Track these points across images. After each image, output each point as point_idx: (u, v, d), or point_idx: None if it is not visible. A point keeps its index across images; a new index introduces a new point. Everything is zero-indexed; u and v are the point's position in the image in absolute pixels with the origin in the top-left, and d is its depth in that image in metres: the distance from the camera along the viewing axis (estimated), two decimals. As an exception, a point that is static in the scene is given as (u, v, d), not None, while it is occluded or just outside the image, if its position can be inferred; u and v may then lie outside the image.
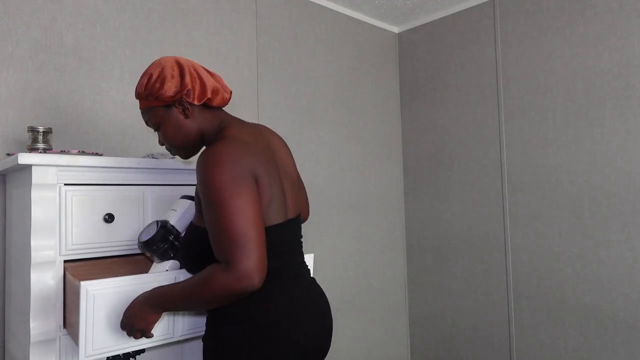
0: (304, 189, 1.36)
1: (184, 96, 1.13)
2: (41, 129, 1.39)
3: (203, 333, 1.29)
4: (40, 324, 1.21)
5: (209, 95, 1.14)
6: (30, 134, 1.39)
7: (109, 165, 1.31)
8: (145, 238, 1.19)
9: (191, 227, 1.13)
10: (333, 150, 2.63)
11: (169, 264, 1.22)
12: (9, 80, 1.62)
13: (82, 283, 1.07)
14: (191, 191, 1.52)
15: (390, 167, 2.97)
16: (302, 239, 1.23)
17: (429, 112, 2.91)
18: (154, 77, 1.14)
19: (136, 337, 1.11)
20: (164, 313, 1.14)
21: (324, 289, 2.52)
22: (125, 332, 1.14)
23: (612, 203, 2.14)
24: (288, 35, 2.47)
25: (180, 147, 1.19)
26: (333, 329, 1.23)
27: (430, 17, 2.89)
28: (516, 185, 2.48)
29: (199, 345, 1.50)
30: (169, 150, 1.24)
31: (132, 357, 1.31)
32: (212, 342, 1.09)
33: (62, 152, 1.37)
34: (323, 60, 2.63)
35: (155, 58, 1.97)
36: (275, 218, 1.08)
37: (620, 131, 2.12)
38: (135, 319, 1.09)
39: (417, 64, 2.98)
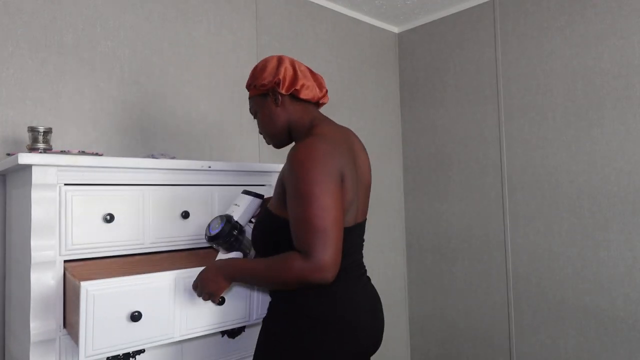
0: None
1: (275, 85, 1.21)
2: (41, 129, 1.39)
3: (202, 333, 1.29)
4: (41, 324, 1.21)
5: (297, 87, 1.21)
6: (30, 134, 1.39)
7: (109, 165, 1.31)
8: (213, 232, 1.27)
9: (269, 215, 1.18)
10: (333, 150, 2.63)
11: (233, 254, 1.30)
12: (9, 80, 1.62)
13: (82, 283, 1.08)
14: (191, 191, 1.52)
15: (390, 167, 2.97)
16: (364, 241, 1.30)
17: (429, 112, 2.91)
18: (258, 68, 1.26)
19: (204, 299, 1.20)
20: (231, 284, 1.19)
21: (324, 289, 2.52)
22: (124, 332, 1.14)
23: (612, 203, 2.14)
24: (288, 35, 2.47)
25: (270, 135, 1.28)
26: None
27: (430, 17, 2.89)
28: (516, 185, 2.48)
29: (199, 346, 1.50)
30: (265, 140, 1.33)
31: (132, 357, 1.32)
32: (276, 329, 1.14)
33: (62, 152, 1.37)
34: (323, 60, 2.63)
35: (155, 58, 1.98)
36: (350, 220, 1.14)
37: (620, 131, 2.12)
38: (208, 281, 1.17)
39: (417, 64, 2.98)
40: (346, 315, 1.12)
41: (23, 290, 1.29)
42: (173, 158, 1.56)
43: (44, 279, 1.22)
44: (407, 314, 2.99)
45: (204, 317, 1.29)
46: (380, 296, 2.80)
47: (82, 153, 1.39)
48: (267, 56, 1.27)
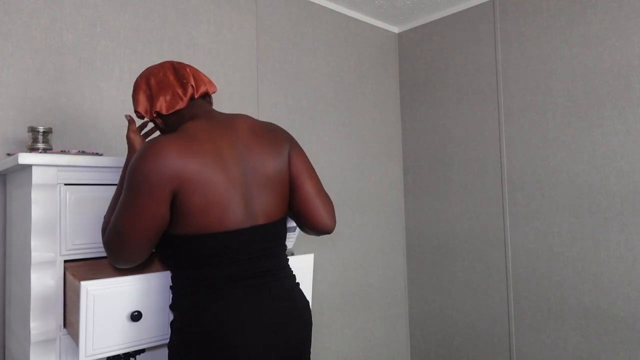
0: (309, 192, 1.21)
1: (142, 116, 1.21)
2: (41, 129, 1.39)
3: None
4: (41, 323, 1.21)
5: (157, 109, 1.17)
6: (30, 134, 1.39)
7: (109, 165, 1.31)
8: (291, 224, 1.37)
9: None
10: (333, 150, 2.63)
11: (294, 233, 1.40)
12: (9, 80, 1.62)
13: (82, 283, 1.08)
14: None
15: (390, 167, 2.97)
16: (273, 246, 1.14)
17: (429, 112, 2.91)
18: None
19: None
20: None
21: (324, 289, 2.52)
22: (124, 332, 1.14)
23: (612, 203, 2.14)
24: (288, 35, 2.47)
25: None
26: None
27: (430, 17, 2.89)
28: (516, 185, 2.48)
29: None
30: None
31: (132, 357, 1.32)
32: (169, 345, 1.11)
33: (62, 152, 1.37)
34: (323, 60, 2.63)
35: (155, 58, 1.98)
36: (225, 225, 1.04)
37: (620, 131, 2.12)
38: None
39: (417, 64, 2.98)
40: (215, 328, 1.02)
41: (23, 290, 1.29)
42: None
43: (44, 279, 1.22)
44: (407, 314, 2.99)
45: None
46: (379, 296, 2.80)
47: (82, 153, 1.39)
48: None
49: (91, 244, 1.30)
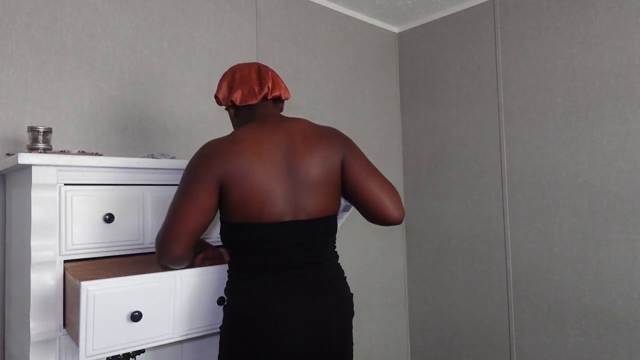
0: (369, 187, 1.25)
1: (220, 103, 1.36)
2: (41, 128, 1.39)
3: (202, 333, 1.29)
4: (40, 324, 1.21)
5: (232, 98, 1.30)
6: (30, 133, 1.39)
7: (108, 165, 1.31)
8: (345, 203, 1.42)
9: None
10: (333, 150, 2.63)
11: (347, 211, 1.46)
12: (9, 80, 1.62)
13: (83, 283, 1.07)
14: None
15: (390, 167, 2.97)
16: (315, 240, 1.22)
17: (429, 112, 2.91)
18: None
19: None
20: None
21: (324, 289, 2.52)
22: (124, 333, 1.14)
23: (612, 203, 2.14)
24: (288, 35, 2.47)
25: None
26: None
27: (430, 17, 2.89)
28: (516, 185, 2.48)
29: (199, 345, 1.50)
30: None
31: (132, 357, 1.32)
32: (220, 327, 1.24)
33: (62, 152, 1.37)
34: (323, 60, 2.63)
35: (155, 58, 1.98)
36: (257, 216, 1.16)
37: (620, 131, 2.12)
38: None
39: (417, 64, 2.98)
40: (247, 312, 1.15)
41: (23, 290, 1.29)
42: (173, 158, 1.56)
43: (44, 279, 1.22)
44: (407, 314, 2.99)
45: (204, 317, 1.29)
46: (379, 296, 2.80)
47: (82, 153, 1.39)
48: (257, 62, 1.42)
49: (91, 244, 1.30)
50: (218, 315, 1.32)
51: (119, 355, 1.29)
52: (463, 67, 2.73)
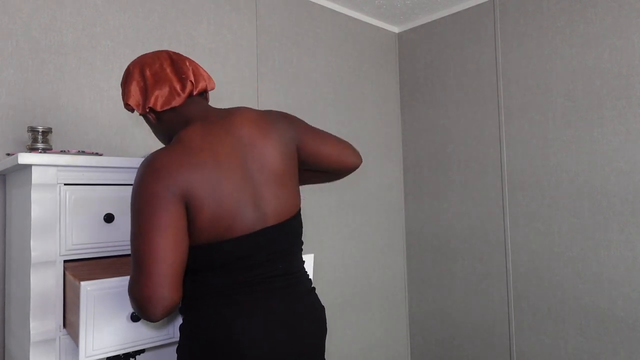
0: (323, 149, 1.18)
1: (133, 110, 1.14)
2: (41, 128, 1.39)
3: None
4: (40, 323, 1.21)
5: (150, 105, 1.08)
6: (30, 133, 1.39)
7: (108, 165, 1.31)
8: None
9: None
10: (333, 150, 2.63)
11: None
12: (9, 80, 1.62)
13: (82, 283, 1.07)
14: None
15: (390, 167, 2.97)
16: (287, 247, 1.09)
17: (429, 112, 2.91)
18: (121, 88, 1.17)
19: None
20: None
21: (324, 289, 2.52)
22: (124, 333, 1.14)
23: (612, 203, 2.14)
24: (288, 35, 2.47)
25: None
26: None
27: (430, 17, 2.89)
28: (516, 185, 2.48)
29: (199, 345, 1.50)
30: None
31: (132, 357, 1.31)
32: (177, 349, 1.08)
33: (62, 152, 1.37)
34: (323, 60, 2.63)
35: (155, 58, 1.97)
36: (236, 231, 1.00)
37: (620, 131, 2.12)
38: None
39: (417, 64, 2.98)
40: (223, 338, 0.97)
41: (23, 290, 1.29)
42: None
43: (44, 279, 1.22)
44: (407, 314, 2.99)
45: None
46: (379, 296, 2.80)
47: (82, 153, 1.39)
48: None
49: (91, 244, 1.30)
50: None
51: (119, 355, 1.29)
52: (463, 67, 2.73)
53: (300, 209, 1.15)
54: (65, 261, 1.28)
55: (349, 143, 1.25)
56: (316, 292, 1.19)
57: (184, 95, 1.10)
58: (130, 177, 1.39)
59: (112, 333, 1.12)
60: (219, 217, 0.98)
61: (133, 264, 0.92)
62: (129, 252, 1.38)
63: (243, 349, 0.97)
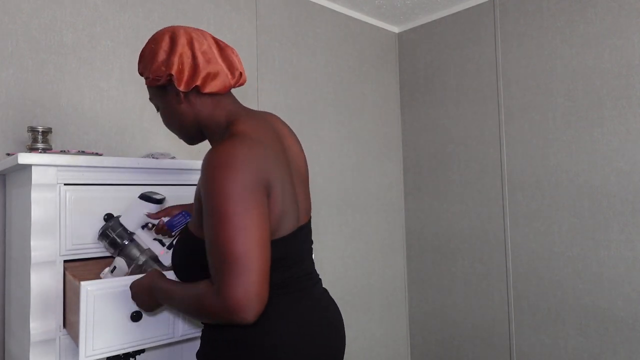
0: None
1: (170, 80, 0.98)
2: (41, 128, 1.39)
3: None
4: (40, 324, 1.21)
5: (197, 82, 0.97)
6: (30, 133, 1.39)
7: (108, 165, 1.31)
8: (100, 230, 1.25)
9: (188, 237, 0.98)
10: (333, 150, 2.63)
11: (117, 260, 1.23)
12: (9, 80, 1.62)
13: (82, 283, 1.07)
14: (191, 191, 1.52)
15: (390, 167, 2.97)
16: (310, 245, 1.06)
17: (429, 112, 2.91)
18: (146, 53, 1.01)
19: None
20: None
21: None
22: (124, 333, 1.14)
23: (612, 203, 2.14)
24: (288, 35, 2.47)
25: (178, 133, 1.08)
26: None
27: (430, 17, 2.89)
28: (516, 185, 2.48)
29: (198, 347, 1.50)
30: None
31: (132, 357, 1.31)
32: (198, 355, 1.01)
33: (62, 152, 1.37)
34: (323, 60, 2.63)
35: (155, 58, 1.97)
36: (288, 228, 0.95)
37: (620, 131, 2.12)
38: (141, 301, 1.07)
39: (417, 64, 2.98)
40: (280, 342, 0.92)
41: (23, 290, 1.29)
42: (173, 158, 1.56)
43: (44, 279, 1.22)
44: (407, 314, 2.99)
45: None
46: (379, 296, 2.80)
47: (82, 153, 1.39)
48: (155, 33, 1.03)
49: (91, 244, 1.30)
50: None
51: (119, 355, 1.29)
52: (463, 67, 2.73)
53: None
54: (65, 261, 1.28)
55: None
56: None
57: (232, 84, 1.01)
58: (131, 178, 1.39)
59: (113, 333, 1.12)
60: (285, 209, 0.94)
61: (220, 268, 0.82)
62: (129, 252, 1.38)
63: (280, 354, 0.93)
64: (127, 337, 1.15)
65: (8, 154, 1.45)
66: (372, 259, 2.81)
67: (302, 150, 1.10)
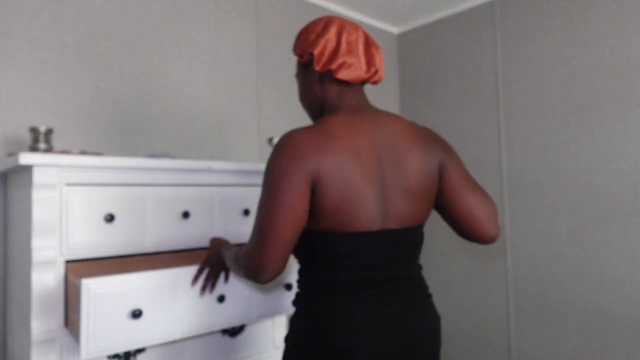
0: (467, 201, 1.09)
1: (310, 59, 1.09)
2: (42, 129, 1.39)
3: (203, 331, 1.30)
4: (41, 323, 1.21)
5: (333, 66, 1.06)
6: (31, 134, 1.39)
7: (109, 165, 1.32)
8: None
9: None
10: (333, 150, 2.63)
11: None
12: (10, 81, 1.62)
13: (83, 281, 1.08)
14: (191, 191, 1.52)
15: (390, 167, 2.97)
16: (408, 253, 1.07)
17: (429, 112, 2.91)
18: (302, 32, 1.13)
19: (205, 281, 1.30)
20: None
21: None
22: (125, 331, 1.14)
23: (612, 203, 2.14)
24: (288, 36, 2.47)
25: (305, 107, 1.18)
26: None
27: (430, 17, 2.89)
28: (516, 185, 2.48)
29: (199, 345, 1.50)
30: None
31: (133, 357, 1.32)
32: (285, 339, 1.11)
33: (63, 152, 1.37)
34: (323, 60, 2.63)
35: (156, 58, 1.98)
36: (354, 227, 0.99)
37: (620, 131, 2.12)
38: (211, 253, 1.31)
39: (417, 64, 2.99)
40: (321, 339, 0.98)
41: (24, 290, 1.29)
42: (173, 158, 1.56)
43: (45, 279, 1.22)
44: (407, 313, 2.99)
45: (204, 315, 1.29)
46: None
47: (83, 153, 1.39)
48: (316, 18, 1.17)
49: (92, 244, 1.30)
50: (218, 314, 1.32)
51: (119, 354, 1.29)
52: (463, 67, 2.73)
53: (424, 223, 1.11)
54: (66, 261, 1.28)
55: (494, 206, 1.09)
56: (432, 300, 1.13)
57: (365, 77, 1.08)
58: (131, 177, 1.39)
59: (113, 331, 1.13)
60: (345, 203, 0.98)
61: (255, 232, 0.98)
62: (130, 252, 1.38)
63: (344, 351, 0.97)
64: (128, 335, 1.15)
65: (9, 154, 1.45)
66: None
67: (425, 162, 1.06)
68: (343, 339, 0.97)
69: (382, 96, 2.96)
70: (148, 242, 1.42)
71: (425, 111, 2.93)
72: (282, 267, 0.97)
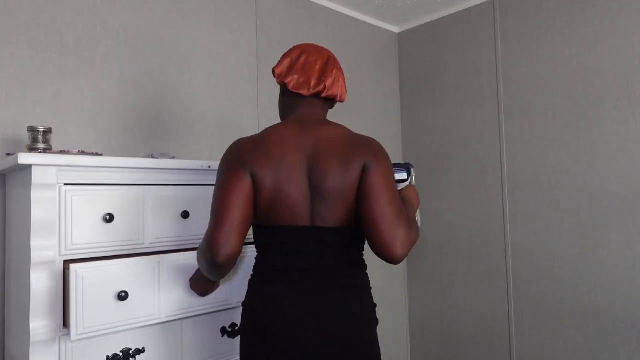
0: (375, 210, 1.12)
1: (276, 79, 1.29)
2: (41, 128, 1.39)
3: (187, 315, 1.39)
4: (40, 324, 1.21)
5: (286, 80, 1.23)
6: (30, 133, 1.39)
7: (109, 165, 1.32)
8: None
9: None
10: (333, 150, 2.63)
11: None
12: (9, 80, 1.62)
13: (72, 266, 1.15)
14: (191, 190, 1.52)
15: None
16: (333, 250, 1.17)
17: (429, 112, 2.91)
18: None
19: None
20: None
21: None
22: (112, 312, 1.15)
23: (612, 203, 2.14)
24: (288, 35, 2.47)
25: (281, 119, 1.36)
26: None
27: (430, 17, 2.89)
28: (516, 185, 2.48)
29: (198, 345, 1.50)
30: None
31: (132, 357, 1.32)
32: None
33: (62, 152, 1.37)
34: (323, 60, 2.63)
35: (155, 58, 1.97)
36: (281, 220, 1.16)
37: (620, 131, 2.12)
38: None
39: (417, 64, 2.98)
40: (249, 315, 1.18)
41: (23, 290, 1.29)
42: (173, 158, 1.56)
43: (44, 279, 1.22)
44: (407, 314, 2.99)
45: (187, 300, 1.38)
46: (379, 296, 2.80)
47: (82, 153, 1.39)
48: (282, 53, 1.36)
49: (91, 244, 1.30)
50: (201, 299, 1.42)
51: (118, 354, 1.29)
52: (463, 67, 2.73)
53: (350, 227, 1.18)
54: (65, 261, 1.28)
55: (405, 223, 1.11)
56: (359, 301, 1.19)
57: (312, 91, 1.23)
58: (131, 177, 1.39)
59: (101, 312, 1.20)
60: (275, 203, 1.15)
61: (211, 218, 1.13)
62: (129, 252, 1.38)
63: (267, 327, 1.14)
64: (114, 316, 1.23)
65: (8, 154, 1.45)
66: (372, 258, 2.81)
67: (344, 170, 1.13)
68: (263, 309, 1.15)
69: (382, 96, 2.96)
70: (147, 242, 1.42)
71: (425, 111, 2.92)
72: (235, 248, 1.10)
